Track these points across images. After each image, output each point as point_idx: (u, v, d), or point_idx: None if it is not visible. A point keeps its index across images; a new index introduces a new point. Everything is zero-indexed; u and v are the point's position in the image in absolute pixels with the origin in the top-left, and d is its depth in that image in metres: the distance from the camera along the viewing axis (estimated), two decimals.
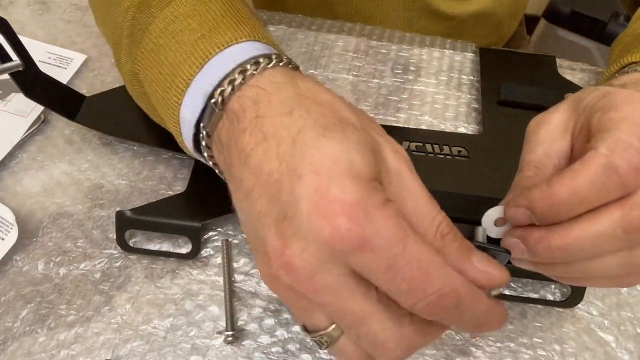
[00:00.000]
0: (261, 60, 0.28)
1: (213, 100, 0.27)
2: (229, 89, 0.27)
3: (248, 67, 0.27)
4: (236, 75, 0.27)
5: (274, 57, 0.28)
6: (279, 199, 0.24)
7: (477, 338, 0.37)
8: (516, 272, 0.37)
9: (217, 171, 0.30)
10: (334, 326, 0.25)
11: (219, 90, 0.27)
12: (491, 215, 0.30)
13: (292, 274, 0.23)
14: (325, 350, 0.26)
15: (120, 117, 0.44)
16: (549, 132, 0.30)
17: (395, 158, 0.26)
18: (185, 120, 0.30)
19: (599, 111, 0.27)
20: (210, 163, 0.30)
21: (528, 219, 0.27)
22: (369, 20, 0.58)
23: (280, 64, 0.28)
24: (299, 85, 0.27)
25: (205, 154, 0.30)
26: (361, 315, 0.24)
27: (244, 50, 0.29)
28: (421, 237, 0.24)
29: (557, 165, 0.29)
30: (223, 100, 0.27)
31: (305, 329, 0.26)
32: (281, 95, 0.26)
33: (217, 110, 0.27)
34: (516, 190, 0.29)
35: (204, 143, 0.29)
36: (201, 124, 0.29)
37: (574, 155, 0.29)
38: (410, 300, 0.23)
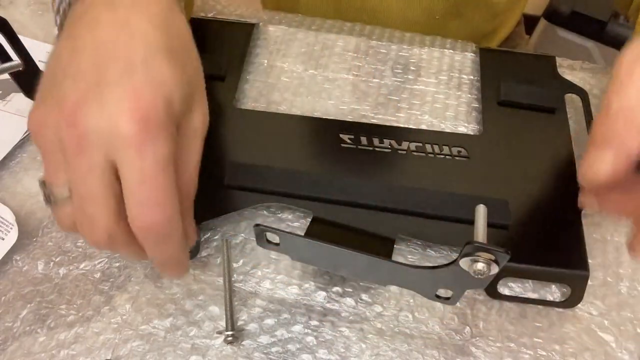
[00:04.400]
0: None
1: None
2: None
3: None
4: None
5: None
6: (104, 69, 0.26)
7: (477, 338, 0.37)
8: (516, 273, 0.37)
9: (56, 17, 0.33)
10: (66, 189, 0.28)
11: None
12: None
13: (72, 128, 0.26)
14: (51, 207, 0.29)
15: None
16: None
17: (200, 121, 0.31)
18: None
19: None
20: (59, 14, 0.32)
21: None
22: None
23: None
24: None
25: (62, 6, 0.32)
26: (96, 195, 0.27)
27: None
28: (174, 179, 0.27)
29: None
30: None
31: (43, 183, 0.29)
32: (161, 6, 0.30)
33: None
34: (595, 146, 0.31)
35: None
36: None
37: None
38: (133, 212, 0.27)
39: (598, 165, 0.30)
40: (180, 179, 0.29)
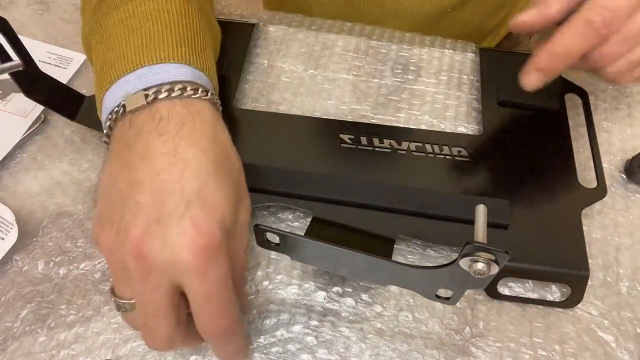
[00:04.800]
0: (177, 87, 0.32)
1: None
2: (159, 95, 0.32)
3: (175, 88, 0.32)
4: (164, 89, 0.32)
5: (188, 88, 0.32)
6: (163, 204, 0.28)
7: (477, 338, 0.37)
8: (516, 273, 0.37)
9: (104, 135, 0.34)
10: (133, 301, 0.30)
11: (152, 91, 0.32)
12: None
13: (139, 261, 0.28)
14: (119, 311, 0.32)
15: None
16: None
17: (246, 215, 0.33)
18: (105, 106, 0.34)
19: None
20: (106, 128, 0.33)
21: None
22: None
23: (194, 96, 0.32)
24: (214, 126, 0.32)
25: (108, 123, 0.33)
26: (159, 311, 0.29)
27: (173, 70, 0.33)
28: (232, 288, 0.30)
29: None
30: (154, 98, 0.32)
31: (112, 291, 0.31)
32: (204, 125, 0.31)
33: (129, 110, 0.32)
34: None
35: (114, 116, 0.33)
36: (121, 102, 0.32)
37: None
38: (204, 323, 0.30)
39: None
40: (233, 263, 0.31)
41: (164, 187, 0.29)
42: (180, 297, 0.30)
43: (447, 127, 0.46)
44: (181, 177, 0.29)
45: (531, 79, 0.39)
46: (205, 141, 0.31)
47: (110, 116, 0.33)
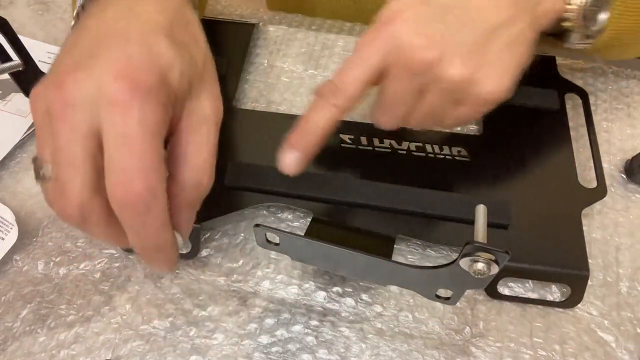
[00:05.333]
0: None
1: None
2: None
3: None
4: None
5: None
6: (100, 42, 0.27)
7: (477, 338, 0.37)
8: (516, 273, 0.37)
9: (74, 14, 0.34)
10: (50, 166, 0.27)
11: None
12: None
13: (58, 92, 0.26)
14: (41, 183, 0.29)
15: None
16: None
17: (210, 108, 0.30)
18: None
19: None
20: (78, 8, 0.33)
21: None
22: None
23: None
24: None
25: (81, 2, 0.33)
26: (73, 161, 0.26)
27: None
28: (160, 153, 0.26)
29: None
30: None
31: (35, 158, 0.28)
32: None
33: None
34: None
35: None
36: None
37: None
38: (112, 180, 0.26)
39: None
40: (186, 169, 0.29)
41: (107, 31, 0.27)
42: (99, 154, 0.26)
43: None
44: (128, 24, 0.28)
45: (287, 159, 0.34)
46: (168, 9, 0.29)
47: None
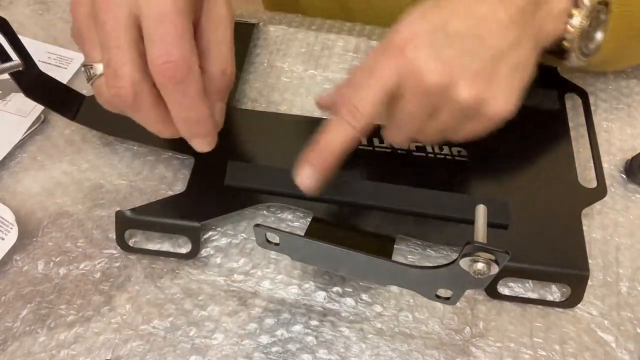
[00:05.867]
0: None
1: None
2: None
3: None
4: None
5: None
6: None
7: (477, 338, 0.37)
8: (516, 273, 0.37)
9: None
10: (101, 65, 0.32)
11: None
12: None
13: None
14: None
15: (120, 117, 0.44)
16: None
17: (225, 8, 0.35)
18: None
19: None
20: None
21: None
22: None
23: None
24: None
25: None
26: (121, 46, 0.31)
27: None
28: (190, 29, 0.32)
29: None
30: None
31: (84, 65, 0.34)
32: None
33: None
34: None
35: None
36: None
37: None
38: (153, 53, 0.31)
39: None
40: (210, 60, 0.34)
41: None
42: (141, 42, 0.31)
43: None
44: None
45: (304, 176, 0.35)
46: None
47: None
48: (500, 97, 0.34)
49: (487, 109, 0.34)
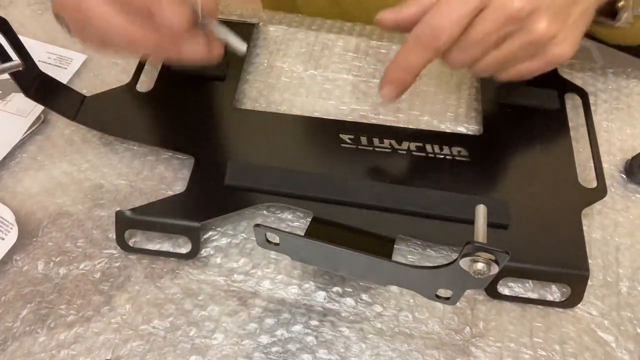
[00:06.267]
0: None
1: None
2: None
3: None
4: None
5: None
6: None
7: (477, 338, 0.37)
8: (516, 273, 0.37)
9: None
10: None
11: None
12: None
13: None
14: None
15: (120, 117, 0.44)
16: None
17: None
18: None
19: None
20: None
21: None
22: None
23: None
24: None
25: None
26: None
27: None
28: None
29: None
30: None
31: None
32: None
33: None
34: None
35: None
36: None
37: None
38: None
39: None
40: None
41: None
42: None
43: (447, 127, 0.46)
44: None
45: (385, 91, 0.39)
46: None
47: None
48: (568, 40, 0.36)
49: (553, 48, 0.36)
